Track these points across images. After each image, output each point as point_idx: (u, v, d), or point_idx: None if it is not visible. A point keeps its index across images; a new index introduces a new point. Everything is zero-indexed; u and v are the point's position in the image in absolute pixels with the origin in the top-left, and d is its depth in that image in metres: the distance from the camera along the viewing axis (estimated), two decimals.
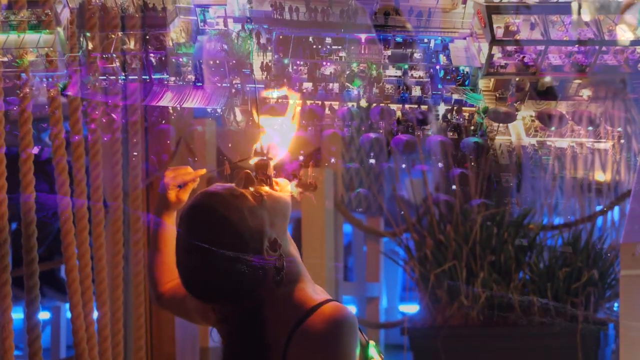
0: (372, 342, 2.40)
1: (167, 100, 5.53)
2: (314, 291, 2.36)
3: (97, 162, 4.57)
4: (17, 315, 4.39)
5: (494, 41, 5.04)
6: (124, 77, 5.30)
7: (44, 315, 5.83)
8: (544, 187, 5.51)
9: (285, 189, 2.41)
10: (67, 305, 4.50)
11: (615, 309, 5.39)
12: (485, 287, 5.22)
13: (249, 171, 2.38)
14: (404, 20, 5.42)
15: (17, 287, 4.34)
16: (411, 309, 5.78)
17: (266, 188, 2.37)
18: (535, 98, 5.39)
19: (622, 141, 5.37)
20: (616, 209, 5.53)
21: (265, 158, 2.40)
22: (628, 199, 5.29)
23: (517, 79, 5.29)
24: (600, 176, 5.51)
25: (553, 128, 5.23)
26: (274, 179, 2.41)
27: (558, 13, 5.34)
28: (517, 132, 5.47)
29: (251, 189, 2.36)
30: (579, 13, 5.25)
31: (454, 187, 5.44)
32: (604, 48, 5.23)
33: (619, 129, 5.36)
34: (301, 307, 2.30)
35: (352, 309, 6.18)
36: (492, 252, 5.27)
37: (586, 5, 5.28)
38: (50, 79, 4.83)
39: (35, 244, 4.29)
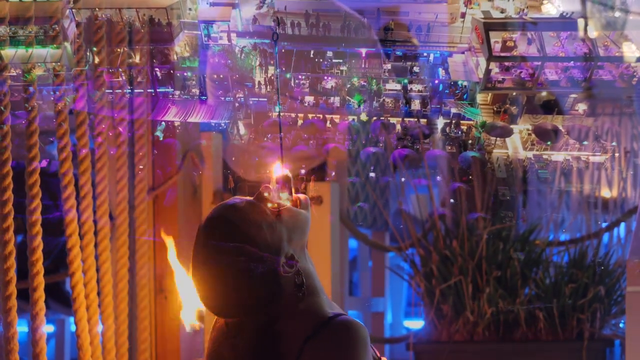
0: (384, 359, 2.39)
1: (172, 115, 5.54)
2: (329, 306, 2.36)
3: (104, 175, 4.58)
4: (22, 328, 4.39)
5: (491, 57, 5.05)
6: (130, 91, 5.31)
7: (48, 328, 5.80)
8: (549, 202, 5.50)
9: (304, 204, 2.40)
10: (72, 319, 4.50)
11: (621, 325, 5.37)
12: (491, 303, 5.20)
13: (268, 185, 2.37)
14: (409, 35, 5.43)
15: (22, 300, 4.33)
16: (416, 324, 5.76)
17: (286, 203, 2.36)
18: (534, 112, 5.40)
19: (617, 154, 5.37)
20: (622, 225, 5.52)
21: (286, 173, 2.39)
22: (634, 216, 5.29)
23: (514, 93, 5.30)
24: (606, 192, 5.50)
25: (549, 142, 5.23)
26: (294, 194, 2.40)
27: (563, 30, 5.35)
28: (514, 145, 5.48)
29: (270, 203, 2.35)
30: (585, 30, 5.26)
31: (452, 200, 5.44)
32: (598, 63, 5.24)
33: (614, 143, 5.36)
34: (314, 320, 2.29)
35: None
36: (498, 267, 5.25)
37: (592, 23, 5.29)
38: (57, 92, 4.84)
39: (40, 256, 4.28)
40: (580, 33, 5.26)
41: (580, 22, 5.25)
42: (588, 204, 5.46)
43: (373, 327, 6.03)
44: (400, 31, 5.44)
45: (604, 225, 5.48)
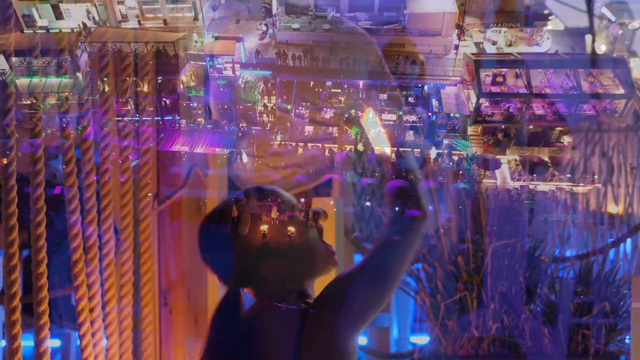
0: None
1: (179, 145, 5.60)
2: None
3: (108, 190, 4.62)
4: (27, 342, 4.40)
5: (481, 94, 5.13)
6: (137, 119, 5.39)
7: (54, 342, 5.80)
8: (555, 221, 5.51)
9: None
10: (77, 333, 4.51)
11: (627, 341, 5.34)
12: (496, 318, 5.18)
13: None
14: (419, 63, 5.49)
15: (27, 314, 4.35)
16: (422, 339, 5.74)
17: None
18: (522, 144, 5.44)
19: (598, 185, 5.38)
20: (628, 241, 5.51)
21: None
22: None
23: (502, 126, 5.35)
24: (613, 208, 5.51)
25: (535, 175, 5.27)
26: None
27: (567, 68, 5.39)
28: (503, 175, 5.51)
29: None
30: (593, 46, 5.30)
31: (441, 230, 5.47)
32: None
33: (595, 176, 5.39)
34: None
35: (363, 340, 6.15)
36: (503, 283, 5.25)
37: (600, 39, 5.34)
38: (69, 119, 4.94)
39: (45, 269, 4.31)
40: (588, 49, 5.31)
41: (588, 39, 5.30)
42: (594, 220, 5.47)
43: (378, 343, 6.01)
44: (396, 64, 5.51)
45: (609, 241, 5.49)
